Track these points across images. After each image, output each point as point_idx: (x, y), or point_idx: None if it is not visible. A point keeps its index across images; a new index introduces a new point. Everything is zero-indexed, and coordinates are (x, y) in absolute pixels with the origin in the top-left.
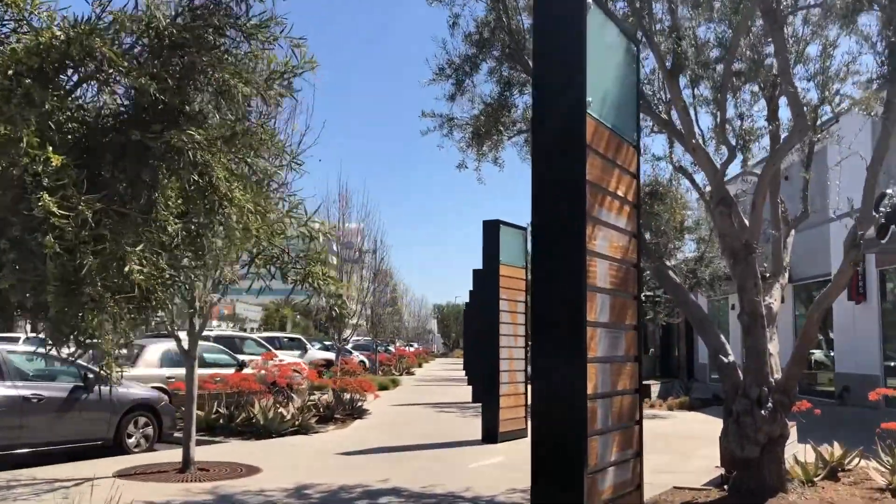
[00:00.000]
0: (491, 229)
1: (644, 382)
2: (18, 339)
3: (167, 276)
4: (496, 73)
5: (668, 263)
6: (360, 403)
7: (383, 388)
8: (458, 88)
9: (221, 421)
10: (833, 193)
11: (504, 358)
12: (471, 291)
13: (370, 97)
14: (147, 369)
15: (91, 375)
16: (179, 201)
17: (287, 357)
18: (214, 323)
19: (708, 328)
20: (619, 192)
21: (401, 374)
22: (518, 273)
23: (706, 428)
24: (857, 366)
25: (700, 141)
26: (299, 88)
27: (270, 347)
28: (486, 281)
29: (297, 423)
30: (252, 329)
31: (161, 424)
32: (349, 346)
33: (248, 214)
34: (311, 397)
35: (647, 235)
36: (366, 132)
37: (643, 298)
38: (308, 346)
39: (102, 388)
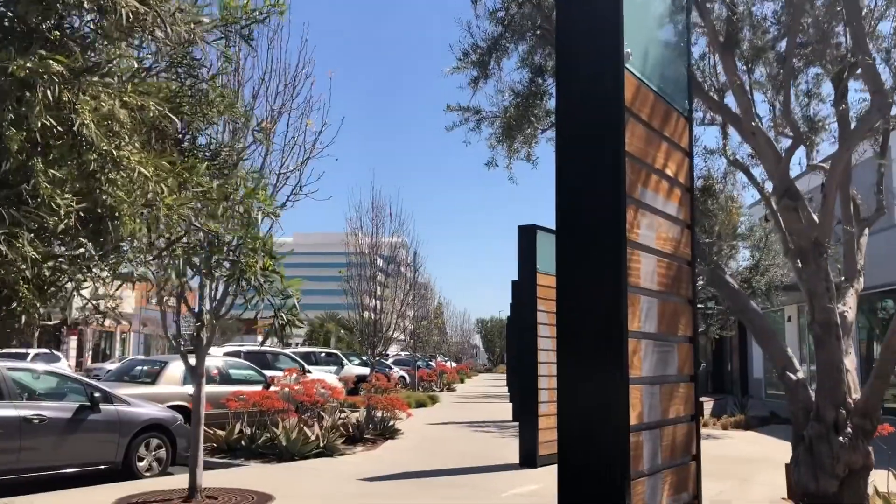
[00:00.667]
0: (527, 235)
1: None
2: (27, 355)
3: (46, 270)
4: (526, 60)
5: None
6: (391, 423)
7: (421, 405)
8: (483, 73)
9: (243, 442)
10: None
11: (543, 375)
12: (511, 304)
13: (398, 97)
14: (168, 387)
15: (97, 394)
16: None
17: (321, 373)
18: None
19: (771, 340)
20: (668, 171)
21: (441, 391)
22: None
23: (765, 450)
24: None
25: (759, 125)
26: (310, 76)
27: (303, 363)
28: (522, 289)
29: (322, 444)
30: (296, 344)
31: (175, 446)
32: (389, 362)
33: (148, 183)
34: (342, 416)
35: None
36: (395, 135)
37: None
38: (345, 361)
39: (109, 407)
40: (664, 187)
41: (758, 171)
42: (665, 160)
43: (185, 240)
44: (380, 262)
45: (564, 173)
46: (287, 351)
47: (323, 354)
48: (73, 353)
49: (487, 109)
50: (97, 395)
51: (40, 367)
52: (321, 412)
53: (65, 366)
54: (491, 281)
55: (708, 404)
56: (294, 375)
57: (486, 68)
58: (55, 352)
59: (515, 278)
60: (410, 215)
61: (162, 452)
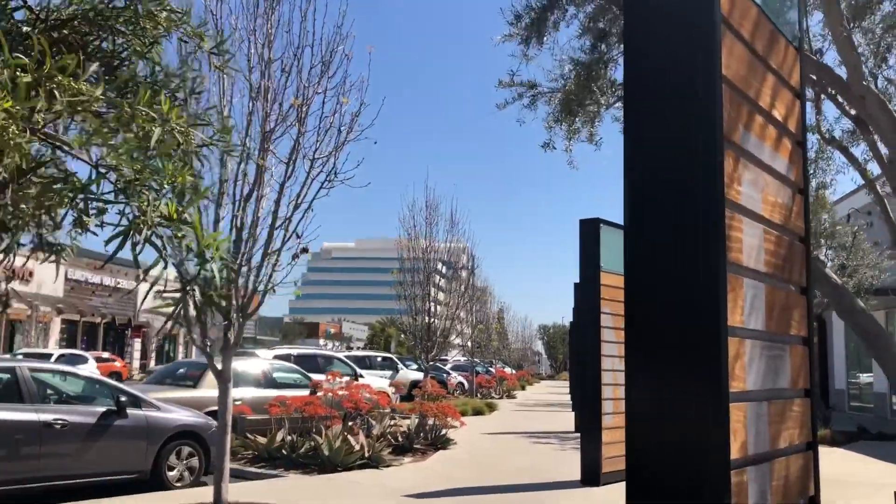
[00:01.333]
0: (589, 229)
1: None
2: (51, 355)
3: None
4: (588, 25)
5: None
6: (443, 432)
7: (478, 412)
8: (538, 37)
9: (284, 451)
10: None
11: (608, 383)
12: (574, 308)
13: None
14: (210, 391)
15: (124, 398)
16: None
17: (373, 378)
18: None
19: (884, 345)
20: (776, 114)
21: (500, 398)
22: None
23: (857, 470)
24: None
25: (870, 85)
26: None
27: (355, 368)
28: (583, 289)
29: (367, 454)
30: (357, 348)
31: (209, 455)
32: (447, 367)
33: None
34: (391, 424)
35: None
36: (446, 130)
37: None
38: (400, 366)
39: (137, 412)
40: (771, 135)
41: (858, 151)
42: (772, 98)
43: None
44: (434, 263)
45: (637, 104)
46: (340, 355)
47: (378, 359)
48: (136, 354)
49: (544, 84)
50: (124, 399)
51: (64, 368)
52: (371, 420)
53: (93, 367)
54: (554, 285)
55: None
56: (338, 379)
57: (541, 31)
58: (83, 352)
59: (577, 282)
60: (466, 214)
61: (194, 461)
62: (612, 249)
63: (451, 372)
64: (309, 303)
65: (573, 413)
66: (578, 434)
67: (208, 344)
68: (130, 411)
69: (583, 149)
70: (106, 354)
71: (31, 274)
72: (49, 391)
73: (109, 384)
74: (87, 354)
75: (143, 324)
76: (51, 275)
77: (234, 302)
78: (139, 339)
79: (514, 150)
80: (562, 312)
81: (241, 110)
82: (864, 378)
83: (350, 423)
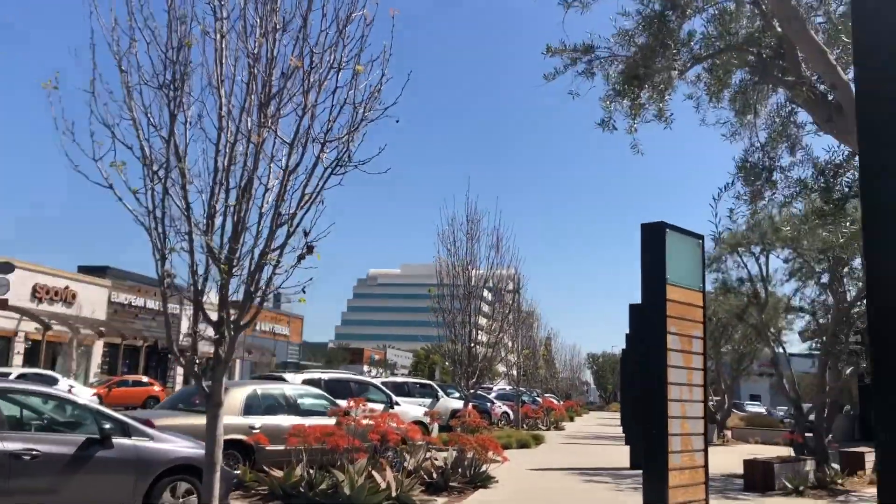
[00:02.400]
0: (653, 236)
1: (856, 449)
2: (8, 374)
3: None
4: None
5: None
6: (483, 468)
7: (523, 445)
8: None
9: (301, 487)
10: None
11: (675, 416)
12: (627, 334)
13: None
14: (226, 417)
15: (109, 425)
16: None
17: (410, 406)
18: (365, 368)
19: None
20: None
21: (547, 429)
22: (693, 298)
23: None
24: None
25: None
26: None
27: (391, 395)
28: (646, 306)
29: (394, 493)
30: (401, 375)
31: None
32: (492, 396)
33: None
34: (427, 457)
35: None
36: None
37: (851, 342)
38: (440, 393)
39: (125, 441)
40: None
41: None
42: None
43: None
44: (476, 281)
45: None
46: (376, 381)
47: (418, 385)
48: (179, 378)
49: (602, 46)
50: (109, 426)
51: (40, 389)
52: (404, 453)
53: (65, 388)
54: (605, 311)
55: (869, 456)
56: (362, 407)
57: None
58: (52, 373)
59: (634, 303)
60: (510, 229)
61: (193, 499)
62: (680, 259)
63: (495, 401)
64: (354, 329)
65: (627, 447)
66: (634, 471)
67: (196, 362)
68: (117, 441)
69: (648, 139)
70: (145, 378)
71: (73, 296)
72: (19, 416)
73: (92, 409)
74: (56, 374)
75: (185, 347)
76: (94, 297)
77: (225, 311)
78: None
79: (562, 150)
80: (612, 341)
81: (241, 84)
82: None
83: (379, 458)
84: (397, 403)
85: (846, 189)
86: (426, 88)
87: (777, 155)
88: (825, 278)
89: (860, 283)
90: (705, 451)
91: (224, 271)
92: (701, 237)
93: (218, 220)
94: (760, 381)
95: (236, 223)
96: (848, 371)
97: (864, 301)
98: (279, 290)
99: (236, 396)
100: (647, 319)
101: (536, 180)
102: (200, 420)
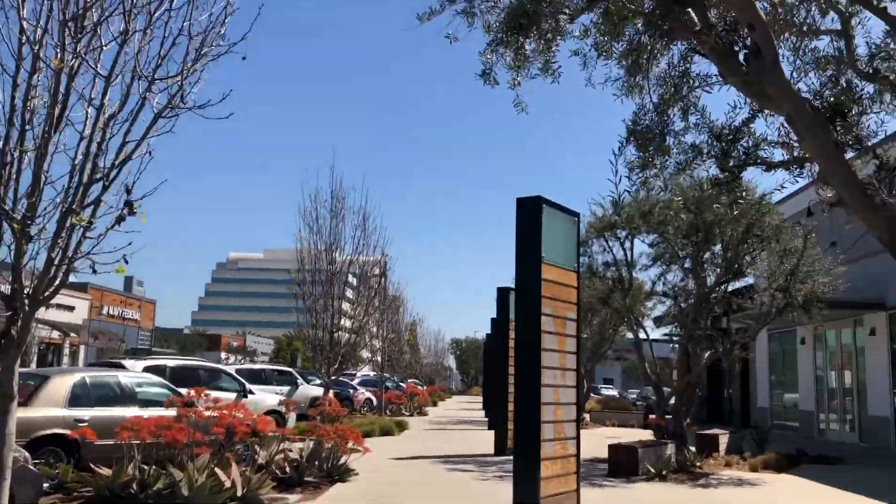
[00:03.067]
0: (530, 211)
1: (710, 432)
2: None
3: None
4: None
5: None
6: (342, 460)
7: (386, 432)
8: None
9: (133, 488)
10: None
11: (548, 402)
12: (493, 319)
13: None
14: (44, 409)
15: None
16: None
17: (266, 394)
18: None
19: None
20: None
21: (411, 415)
22: (568, 278)
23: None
24: None
25: None
26: None
27: (244, 382)
28: (521, 286)
29: (240, 492)
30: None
31: (14, 500)
32: (355, 382)
33: None
34: (282, 450)
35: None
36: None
37: (709, 326)
38: (300, 380)
39: None
40: None
41: None
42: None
43: None
44: (339, 262)
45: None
46: (230, 368)
47: (275, 372)
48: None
49: None
50: None
51: None
52: (256, 447)
53: None
54: (469, 297)
55: (723, 438)
56: (204, 396)
57: None
58: None
59: (503, 286)
60: (377, 207)
61: None
62: (556, 237)
63: (358, 388)
64: (213, 314)
65: (490, 432)
66: (499, 457)
67: None
68: None
69: (533, 115)
70: None
71: None
72: None
73: None
74: None
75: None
76: None
77: (18, 283)
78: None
79: (439, 119)
80: (476, 327)
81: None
82: (789, 397)
83: (225, 453)
84: (251, 392)
85: (743, 155)
86: (289, 37)
87: (670, 118)
88: (688, 263)
89: (720, 269)
90: (577, 438)
91: (18, 231)
92: (577, 215)
93: (16, 172)
94: (613, 364)
95: (36, 173)
96: (706, 355)
97: (724, 286)
98: (90, 258)
99: (59, 386)
100: (522, 299)
101: (411, 152)
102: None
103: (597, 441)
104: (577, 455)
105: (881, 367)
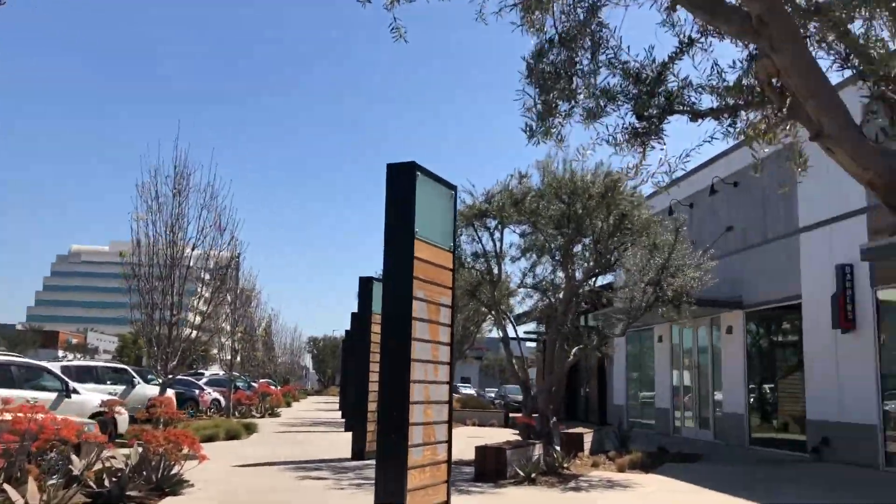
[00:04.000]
0: (401, 179)
1: (575, 431)
2: None
3: None
4: None
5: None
6: (175, 469)
7: (233, 436)
8: None
9: None
10: (804, 195)
11: (418, 401)
12: (354, 314)
13: None
14: None
15: None
16: None
17: (95, 395)
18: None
19: None
20: None
21: (262, 417)
22: (444, 259)
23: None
24: (844, 412)
25: None
26: None
27: (68, 381)
28: (390, 264)
29: None
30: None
31: None
32: (202, 382)
33: None
34: (107, 458)
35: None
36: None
37: (577, 322)
38: (137, 379)
39: None
40: None
41: None
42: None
43: None
44: (180, 246)
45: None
46: (53, 365)
47: (109, 370)
48: None
49: None
50: None
51: None
52: (73, 455)
53: None
54: (326, 294)
55: (587, 437)
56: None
57: None
58: None
59: (365, 276)
60: (225, 186)
61: None
62: (433, 212)
63: (205, 387)
64: (51, 310)
65: (348, 433)
66: (356, 462)
67: None
68: None
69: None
70: None
71: None
72: None
73: None
74: None
75: None
76: None
77: None
78: None
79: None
80: (335, 325)
81: None
82: (646, 394)
83: (25, 463)
84: (75, 391)
85: (665, 101)
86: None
87: (577, 54)
88: (559, 255)
89: (590, 263)
90: (449, 442)
91: None
92: (454, 188)
93: None
94: (472, 363)
95: None
96: (573, 351)
97: (593, 281)
98: None
99: None
100: (390, 281)
101: (267, 123)
102: None
103: (461, 441)
104: (449, 461)
105: (736, 365)
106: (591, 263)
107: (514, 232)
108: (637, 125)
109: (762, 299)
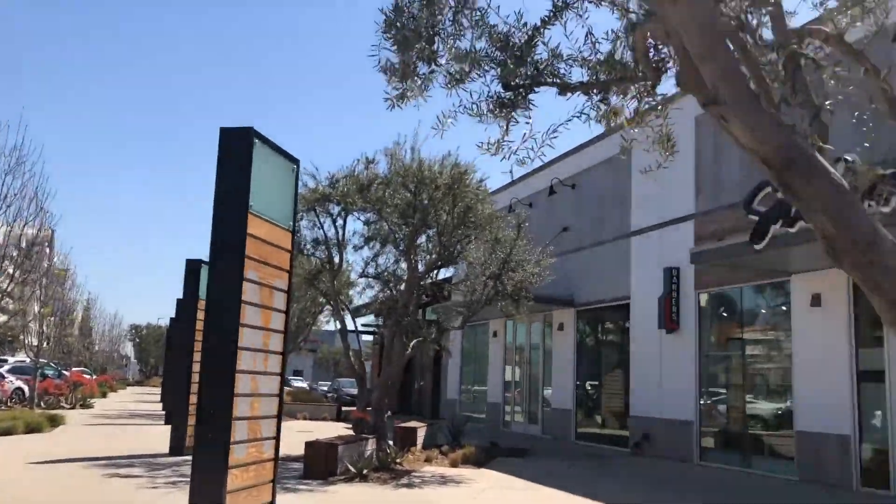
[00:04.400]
0: (236, 146)
1: (409, 425)
2: None
3: None
4: None
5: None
6: None
7: (34, 429)
8: None
9: None
10: (637, 200)
11: (244, 394)
12: (179, 300)
13: None
14: None
15: None
16: None
17: None
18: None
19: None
20: None
21: (73, 407)
22: (281, 238)
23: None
24: (664, 409)
25: None
26: None
27: None
28: (219, 239)
29: None
30: None
31: None
32: (4, 370)
33: None
34: None
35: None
36: None
37: (418, 314)
38: None
39: None
40: None
41: None
42: None
43: None
44: None
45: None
46: None
47: None
48: None
49: None
50: None
51: None
52: None
53: None
54: (151, 280)
55: (421, 431)
56: None
57: None
58: None
59: (192, 258)
60: (35, 150)
61: None
62: (271, 185)
63: (6, 375)
64: None
65: (167, 427)
66: (174, 457)
67: None
68: None
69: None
70: None
71: None
72: None
73: None
74: None
75: None
76: None
77: None
78: None
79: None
80: (160, 312)
81: None
82: (479, 389)
83: None
84: None
85: (534, 71)
86: None
87: (441, 12)
88: (403, 246)
89: (433, 255)
90: (277, 439)
91: None
92: (297, 161)
93: None
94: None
95: None
96: (412, 344)
97: (435, 273)
98: None
99: None
100: (219, 259)
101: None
102: None
103: (291, 436)
104: (276, 459)
105: (567, 361)
106: (435, 255)
107: (359, 219)
108: (503, 94)
109: (594, 298)
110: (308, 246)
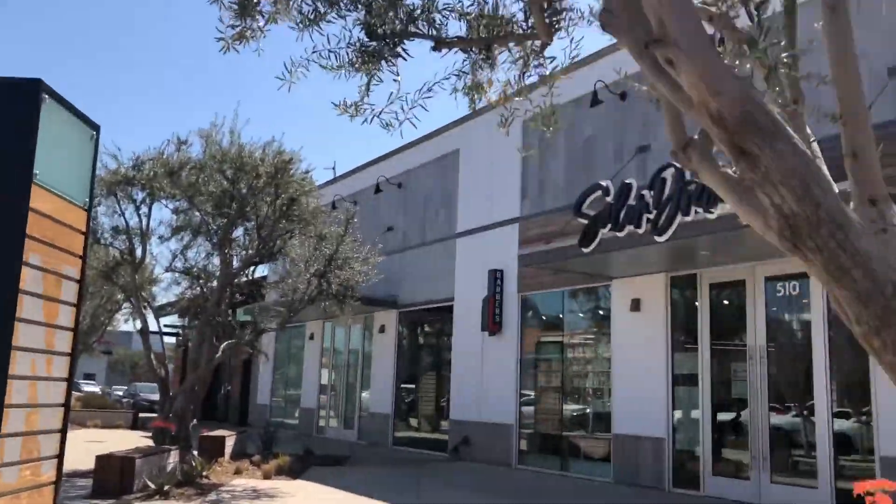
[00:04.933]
0: (19, 102)
1: (217, 434)
2: None
3: None
4: None
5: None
6: None
7: None
8: None
9: None
10: (464, 201)
11: (17, 405)
12: None
13: None
14: None
15: None
16: None
17: None
18: None
19: None
20: None
21: None
22: (75, 218)
23: None
24: (484, 412)
25: None
26: None
27: None
28: None
29: None
30: None
31: None
32: None
33: None
34: None
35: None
36: None
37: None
38: None
39: None
40: None
41: None
42: None
43: None
44: None
45: None
46: None
47: None
48: None
49: None
50: None
51: None
52: None
53: None
54: None
55: (229, 440)
56: None
57: None
58: None
59: None
60: None
61: None
62: (63, 153)
63: None
64: None
65: None
66: None
67: None
68: None
69: None
70: None
71: None
72: None
73: None
74: None
75: None
76: None
77: None
78: None
79: None
80: None
81: None
82: (292, 394)
83: None
84: None
85: (405, 20)
86: None
87: None
88: (216, 238)
89: (250, 250)
90: (60, 458)
91: None
92: (97, 127)
93: None
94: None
95: None
96: (223, 346)
97: (251, 270)
98: None
99: None
100: None
101: None
102: None
103: (78, 448)
104: (58, 482)
105: (386, 364)
106: (252, 250)
107: (167, 207)
108: (368, 43)
109: (417, 299)
110: (106, 235)
